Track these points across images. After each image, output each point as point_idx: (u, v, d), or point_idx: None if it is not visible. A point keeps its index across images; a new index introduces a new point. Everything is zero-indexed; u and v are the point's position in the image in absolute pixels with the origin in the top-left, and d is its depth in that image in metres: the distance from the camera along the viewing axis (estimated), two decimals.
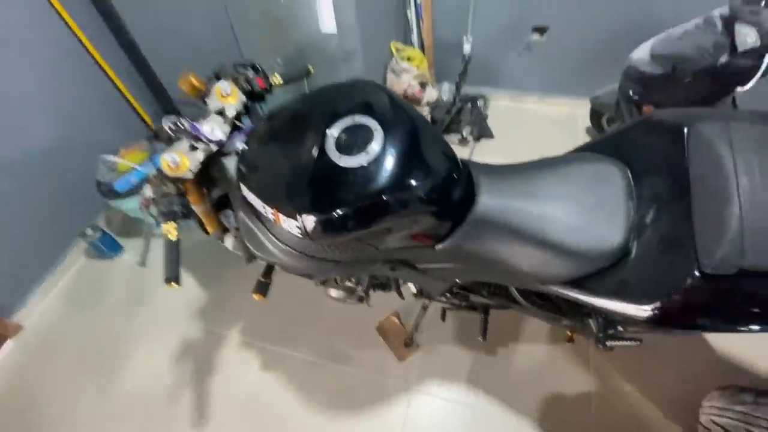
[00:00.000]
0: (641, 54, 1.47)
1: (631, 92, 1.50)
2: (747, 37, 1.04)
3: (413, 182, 0.70)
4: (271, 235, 0.89)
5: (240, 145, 0.90)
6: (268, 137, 0.86)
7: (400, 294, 1.22)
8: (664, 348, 1.34)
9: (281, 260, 0.92)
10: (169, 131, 0.84)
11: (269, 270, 1.16)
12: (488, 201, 0.79)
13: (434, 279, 0.99)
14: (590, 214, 0.77)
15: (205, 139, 0.85)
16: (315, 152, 0.73)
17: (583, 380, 1.33)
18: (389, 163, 0.70)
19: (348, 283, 1.16)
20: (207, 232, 1.03)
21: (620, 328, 0.97)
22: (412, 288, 1.20)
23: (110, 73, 1.85)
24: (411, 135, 0.74)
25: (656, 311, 0.64)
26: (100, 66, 1.82)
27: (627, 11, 1.77)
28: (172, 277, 0.79)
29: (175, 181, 0.83)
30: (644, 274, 0.69)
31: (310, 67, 1.09)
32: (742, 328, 0.62)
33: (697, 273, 0.60)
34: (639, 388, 1.29)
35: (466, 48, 2.08)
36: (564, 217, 0.77)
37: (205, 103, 0.92)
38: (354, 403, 1.36)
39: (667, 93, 1.36)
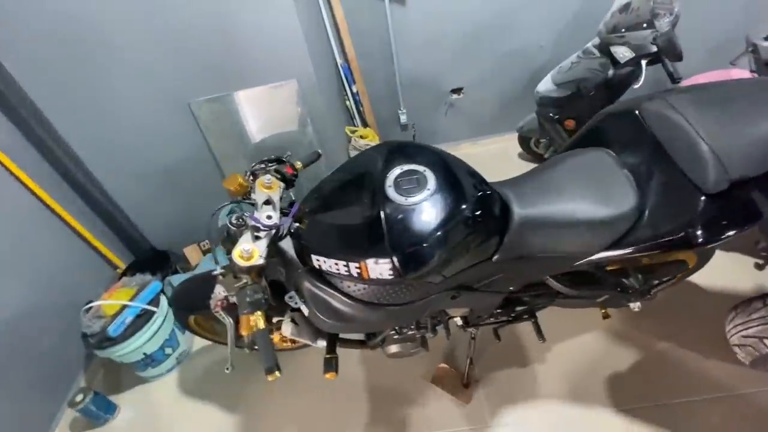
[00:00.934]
0: (546, 86, 1.88)
1: (550, 114, 1.88)
2: (623, 53, 1.45)
3: (464, 202, 0.84)
4: (343, 296, 0.93)
5: (292, 224, 0.97)
6: (323, 207, 0.94)
7: (448, 331, 1.28)
8: (676, 305, 1.54)
9: (355, 317, 0.95)
10: (232, 227, 0.89)
11: (333, 344, 1.16)
12: (520, 208, 0.95)
13: (491, 294, 1.09)
14: (602, 190, 0.96)
15: (264, 227, 0.91)
16: (381, 201, 0.84)
17: (628, 353, 1.45)
18: (446, 192, 0.84)
19: (409, 332, 1.19)
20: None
21: (655, 281, 1.15)
22: (458, 321, 1.27)
23: (77, 226, 1.78)
24: (450, 167, 0.90)
25: (686, 234, 0.82)
26: (65, 221, 1.74)
27: (519, 62, 2.26)
28: (273, 365, 0.78)
29: (249, 270, 0.85)
30: (664, 216, 0.88)
31: (319, 152, 1.22)
32: (752, 222, 0.81)
33: (702, 197, 0.81)
34: (674, 343, 1.44)
35: (403, 118, 2.46)
36: (583, 198, 0.95)
37: (250, 198, 0.99)
38: None
39: (578, 106, 1.74)
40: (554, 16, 2.08)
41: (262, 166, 1.05)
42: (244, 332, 0.81)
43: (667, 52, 1.32)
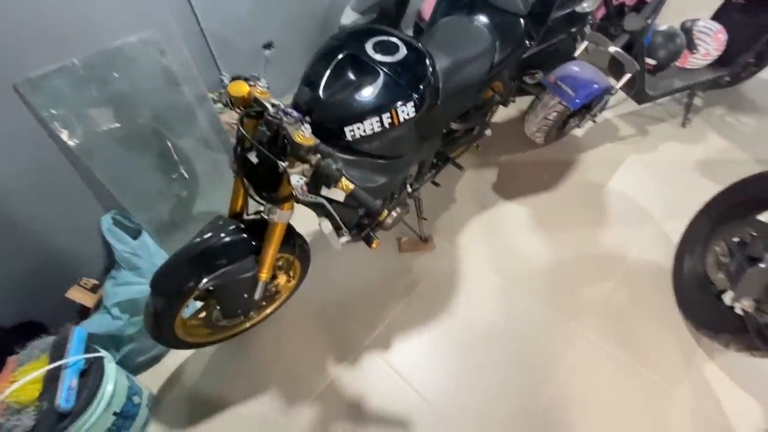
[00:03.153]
0: (349, 18, 2.29)
1: None
2: None
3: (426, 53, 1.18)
4: (376, 159, 1.14)
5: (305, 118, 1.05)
6: (331, 90, 1.07)
7: (408, 194, 1.62)
8: (504, 135, 2.35)
9: (384, 177, 1.18)
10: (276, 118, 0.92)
11: (361, 228, 1.33)
12: (437, 61, 1.35)
13: (435, 139, 1.48)
14: (470, 37, 1.45)
15: (298, 116, 0.97)
16: (376, 65, 1.07)
17: (493, 167, 2.17)
18: (413, 48, 1.16)
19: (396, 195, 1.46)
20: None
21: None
22: (408, 189, 1.62)
23: None
24: (400, 35, 1.20)
25: (525, 38, 1.43)
26: None
27: (311, 4, 2.56)
28: (379, 207, 0.96)
29: (316, 148, 0.94)
30: (508, 39, 1.44)
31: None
32: (545, 19, 1.49)
33: (521, 18, 1.41)
34: (512, 152, 2.25)
35: (226, 81, 2.39)
36: (464, 45, 1.42)
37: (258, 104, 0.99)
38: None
39: (385, 23, 2.24)
40: None
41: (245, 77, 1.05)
42: (344, 191, 0.92)
43: None
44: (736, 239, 1.30)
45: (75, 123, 1.35)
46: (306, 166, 0.93)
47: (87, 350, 1.26)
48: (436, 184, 1.81)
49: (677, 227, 1.68)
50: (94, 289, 1.58)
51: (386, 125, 1.07)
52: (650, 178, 2.09)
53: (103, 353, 1.26)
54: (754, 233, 1.26)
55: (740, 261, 1.16)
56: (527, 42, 1.47)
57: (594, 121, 2.23)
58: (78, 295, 1.53)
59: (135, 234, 1.56)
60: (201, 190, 1.84)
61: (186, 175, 1.72)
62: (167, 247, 1.65)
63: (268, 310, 1.58)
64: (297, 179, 0.93)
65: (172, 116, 1.61)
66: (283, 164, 0.92)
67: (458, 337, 1.57)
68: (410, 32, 2.58)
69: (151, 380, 1.53)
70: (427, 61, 1.17)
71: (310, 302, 1.68)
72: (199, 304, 1.39)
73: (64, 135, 1.32)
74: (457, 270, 1.76)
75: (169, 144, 1.64)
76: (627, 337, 1.51)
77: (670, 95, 2.27)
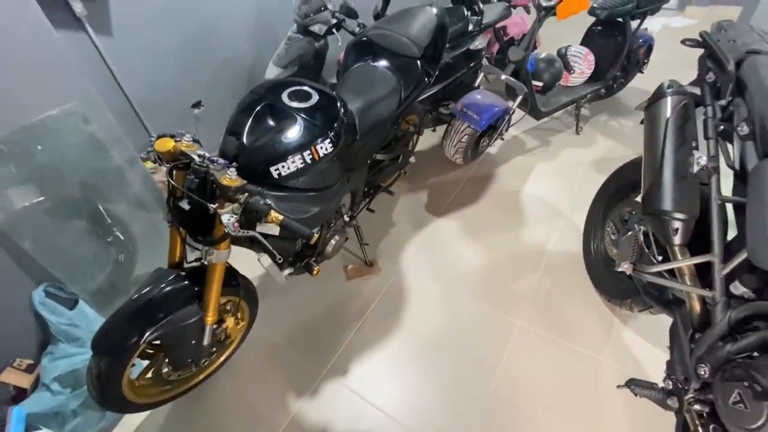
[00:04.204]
0: (273, 72, 2.46)
1: None
2: (320, 29, 2.22)
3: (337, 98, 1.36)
4: (302, 192, 1.26)
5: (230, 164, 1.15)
6: (254, 135, 1.18)
7: (345, 223, 1.74)
8: (426, 160, 2.58)
9: (314, 207, 1.30)
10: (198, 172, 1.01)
11: (300, 259, 1.42)
12: (351, 103, 1.52)
13: (361, 169, 1.63)
14: (378, 80, 1.65)
15: (223, 163, 1.07)
16: (293, 111, 1.22)
17: (422, 186, 2.36)
18: (324, 94, 1.32)
19: (333, 225, 1.57)
20: None
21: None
22: (345, 218, 1.74)
23: None
24: (311, 84, 1.36)
25: (425, 76, 1.66)
26: None
27: (235, 66, 2.72)
28: (310, 232, 1.08)
29: (243, 188, 1.04)
30: (410, 77, 1.67)
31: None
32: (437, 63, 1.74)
33: (418, 60, 1.65)
34: (437, 174, 2.47)
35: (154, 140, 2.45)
36: (373, 87, 1.62)
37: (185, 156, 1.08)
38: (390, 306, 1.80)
39: (306, 74, 2.44)
40: (245, 25, 2.66)
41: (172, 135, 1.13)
42: (274, 222, 1.02)
43: (348, 14, 2.20)
44: (619, 218, 1.56)
45: None
46: (235, 205, 1.03)
47: (27, 430, 1.20)
48: (371, 211, 1.95)
49: (583, 217, 1.93)
50: (29, 369, 1.50)
51: (308, 161, 1.21)
52: (556, 180, 2.39)
53: (44, 430, 1.20)
54: (632, 210, 1.52)
55: (621, 233, 1.39)
56: (426, 79, 1.70)
57: (502, 139, 2.53)
58: (12, 377, 1.44)
59: (71, 304, 1.52)
60: (141, 252, 1.83)
61: (122, 237, 1.72)
62: (108, 313, 1.60)
63: (221, 359, 1.58)
64: (228, 218, 1.01)
65: (102, 181, 1.63)
66: (212, 206, 1.01)
67: (410, 348, 1.66)
68: (334, 80, 2.82)
69: None
70: (338, 104, 1.34)
71: (264, 343, 1.70)
72: (145, 362, 1.37)
73: None
74: (402, 286, 1.88)
75: (101, 209, 1.65)
76: (555, 320, 1.69)
77: (562, 109, 2.66)
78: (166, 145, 1.07)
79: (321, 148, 1.22)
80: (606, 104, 2.99)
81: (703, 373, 0.96)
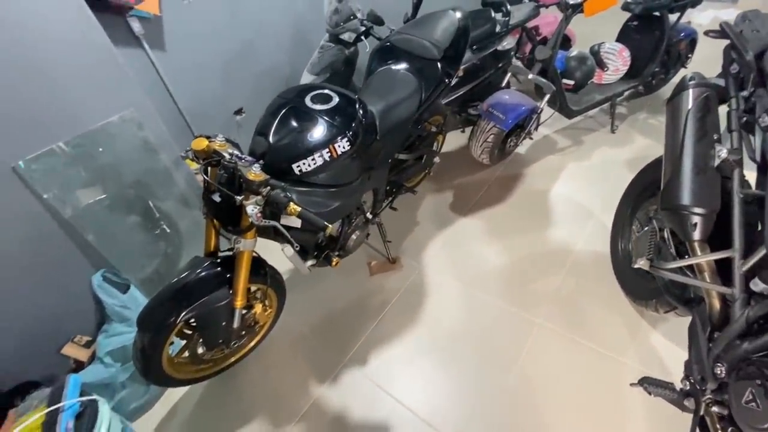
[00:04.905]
0: (307, 79, 2.61)
1: None
2: (349, 37, 2.34)
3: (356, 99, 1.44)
4: (322, 188, 1.35)
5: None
6: (279, 135, 1.30)
7: (367, 221, 1.81)
8: (451, 162, 2.60)
9: (334, 202, 1.38)
10: (230, 163, 1.13)
11: (320, 250, 1.51)
12: (372, 105, 1.60)
13: (383, 168, 1.70)
14: (399, 82, 1.73)
15: (249, 159, 1.19)
16: (315, 112, 1.31)
17: (448, 189, 2.39)
18: (343, 95, 1.41)
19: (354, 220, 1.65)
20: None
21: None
22: (368, 215, 1.82)
23: None
24: (332, 87, 1.46)
25: (445, 77, 1.71)
26: None
27: (273, 75, 2.91)
28: (325, 223, 1.16)
29: (266, 181, 1.15)
30: (431, 79, 1.72)
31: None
32: (458, 63, 1.78)
33: (438, 62, 1.70)
34: (463, 174, 2.49)
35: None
36: (394, 89, 1.70)
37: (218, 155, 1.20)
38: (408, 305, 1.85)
39: (338, 80, 2.56)
40: (282, 38, 2.84)
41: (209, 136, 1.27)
42: (292, 215, 1.12)
43: (375, 22, 2.30)
44: (645, 216, 1.50)
45: (67, 197, 1.56)
46: (259, 197, 1.13)
47: (82, 396, 1.37)
48: (394, 209, 2.02)
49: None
50: (87, 345, 1.70)
51: (327, 158, 1.30)
52: (588, 180, 2.33)
53: (96, 396, 1.37)
54: (656, 207, 1.46)
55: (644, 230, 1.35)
56: (446, 80, 1.75)
57: (531, 138, 2.50)
58: (72, 351, 1.65)
59: (124, 289, 1.71)
60: (185, 244, 2.02)
61: (168, 231, 1.91)
62: None
63: (251, 344, 1.71)
64: (252, 208, 1.12)
65: (152, 181, 1.83)
66: (239, 198, 1.12)
67: (429, 342, 1.69)
68: None
69: (144, 426, 1.61)
70: (357, 105, 1.42)
71: (290, 332, 1.81)
72: (182, 342, 1.51)
73: (60, 208, 1.52)
74: (423, 283, 1.92)
75: (152, 205, 1.85)
76: (578, 320, 1.65)
77: (595, 108, 2.58)
78: (201, 144, 1.20)
79: (339, 146, 1.31)
80: (645, 101, 2.86)
81: (719, 372, 0.92)
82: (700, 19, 3.54)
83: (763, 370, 0.79)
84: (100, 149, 1.61)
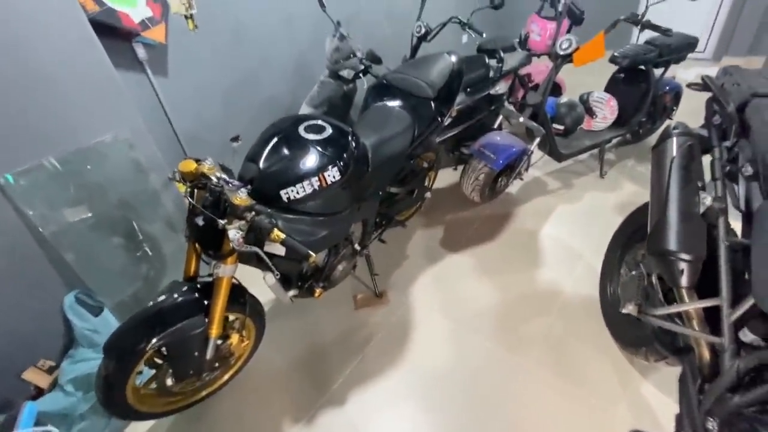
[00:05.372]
0: (305, 112, 2.68)
1: None
2: (348, 74, 2.42)
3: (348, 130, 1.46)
4: (309, 217, 1.33)
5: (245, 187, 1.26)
6: (270, 162, 1.30)
7: (355, 252, 1.79)
8: (442, 202, 2.62)
9: (321, 231, 1.36)
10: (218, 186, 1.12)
11: (304, 280, 1.47)
12: (365, 138, 1.62)
13: (373, 201, 1.70)
14: (393, 118, 1.77)
15: (237, 184, 1.18)
16: (308, 142, 1.32)
17: (438, 225, 2.38)
18: (336, 126, 1.43)
19: (341, 250, 1.62)
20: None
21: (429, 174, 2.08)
22: (357, 247, 1.80)
23: None
24: (325, 119, 1.48)
25: (437, 116, 1.75)
26: None
27: (272, 106, 2.98)
28: (308, 251, 1.14)
29: (251, 207, 1.13)
30: (424, 117, 1.76)
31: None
32: (452, 101, 1.83)
33: (431, 101, 1.75)
34: (454, 211, 2.50)
35: None
36: (387, 124, 1.73)
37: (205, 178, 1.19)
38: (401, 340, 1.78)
39: (335, 114, 2.62)
40: (284, 71, 2.93)
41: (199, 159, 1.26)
42: (275, 242, 1.09)
43: (374, 60, 2.38)
44: (634, 260, 1.49)
45: (51, 214, 1.52)
46: (242, 222, 1.11)
47: (37, 425, 1.27)
48: (383, 242, 2.00)
49: None
50: (50, 371, 1.60)
51: (316, 187, 1.29)
52: (577, 222, 2.34)
53: (51, 428, 1.27)
54: (644, 252, 1.46)
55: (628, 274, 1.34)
56: (439, 119, 1.79)
57: (521, 179, 2.54)
58: (33, 376, 1.54)
59: (97, 311, 1.64)
60: (168, 269, 1.96)
61: (150, 253, 1.86)
62: None
63: (225, 377, 1.62)
64: (234, 233, 1.10)
65: (139, 202, 1.80)
66: (222, 221, 1.10)
67: (413, 382, 1.61)
68: None
69: None
70: (349, 137, 1.44)
71: (267, 365, 1.72)
72: (152, 372, 1.43)
73: (41, 225, 1.48)
74: (409, 320, 1.86)
75: (136, 226, 1.81)
76: (567, 366, 1.60)
77: (585, 153, 2.65)
78: (189, 166, 1.19)
79: (329, 175, 1.31)
80: (633, 149, 2.94)
81: (711, 427, 0.88)
82: (685, 74, 3.73)
83: (756, 426, 0.76)
84: (89, 167, 1.60)
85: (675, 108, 2.82)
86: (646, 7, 2.35)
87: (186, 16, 2.24)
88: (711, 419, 0.88)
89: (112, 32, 1.88)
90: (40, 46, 1.37)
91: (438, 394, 1.57)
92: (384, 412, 1.53)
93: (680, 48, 2.46)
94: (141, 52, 2.09)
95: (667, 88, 2.68)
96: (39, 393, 1.54)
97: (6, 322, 1.50)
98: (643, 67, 2.52)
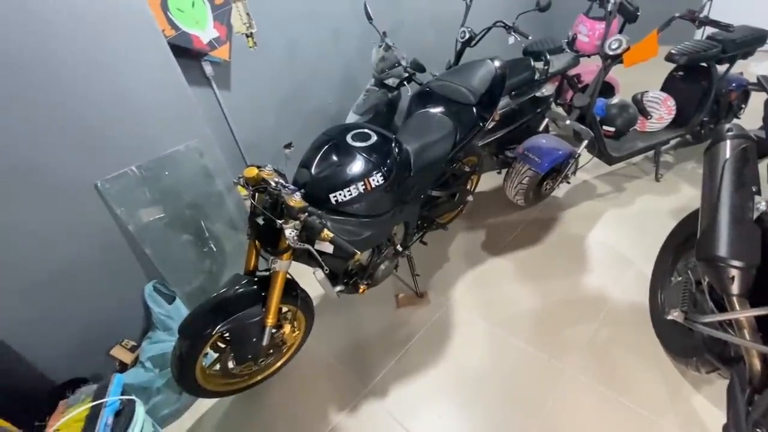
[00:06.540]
0: (352, 119, 2.81)
1: None
2: (393, 82, 2.52)
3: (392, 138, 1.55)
4: (355, 218, 1.44)
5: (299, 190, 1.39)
6: (321, 167, 1.42)
7: (396, 253, 1.87)
8: (483, 204, 2.63)
9: (366, 231, 1.46)
10: (276, 190, 1.25)
11: (348, 277, 1.58)
12: (407, 144, 1.70)
13: (414, 203, 1.77)
14: (435, 124, 1.83)
15: (293, 188, 1.31)
16: (354, 149, 1.43)
17: (480, 227, 2.41)
18: (381, 135, 1.52)
19: (383, 250, 1.71)
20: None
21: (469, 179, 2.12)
22: (398, 248, 1.88)
23: None
24: (371, 126, 1.58)
25: (480, 120, 1.79)
26: None
27: (321, 115, 3.15)
28: (354, 250, 1.24)
29: (304, 208, 1.25)
30: (467, 123, 1.81)
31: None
32: (493, 107, 1.86)
33: (473, 107, 1.79)
34: (495, 215, 2.51)
35: None
36: (429, 130, 1.80)
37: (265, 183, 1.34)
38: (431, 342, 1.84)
39: (380, 120, 2.73)
40: (332, 82, 3.10)
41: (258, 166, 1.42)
42: (325, 240, 1.21)
43: (417, 69, 2.47)
44: (685, 267, 1.43)
45: (133, 214, 1.76)
46: (297, 222, 1.24)
47: (123, 395, 1.48)
48: (424, 243, 2.06)
49: None
50: (132, 349, 1.85)
51: (361, 190, 1.40)
52: (629, 227, 2.25)
53: (134, 397, 1.47)
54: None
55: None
56: (480, 124, 1.83)
57: (568, 182, 2.49)
58: (119, 353, 1.79)
59: (170, 300, 1.86)
60: (228, 264, 2.17)
61: (215, 250, 2.07)
62: None
63: (278, 363, 1.77)
64: (290, 232, 1.23)
65: (207, 203, 2.02)
66: (279, 221, 1.23)
67: (452, 380, 1.66)
68: None
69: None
70: (393, 144, 1.53)
71: (315, 357, 1.85)
72: (215, 354, 1.60)
73: (127, 223, 1.72)
74: (450, 320, 1.91)
75: (203, 226, 2.03)
76: (611, 374, 1.56)
77: (638, 155, 2.54)
78: (252, 172, 1.35)
79: (373, 180, 1.41)
80: (694, 151, 2.76)
81: None
82: (756, 69, 3.42)
83: None
84: (166, 173, 1.83)
85: (743, 106, 2.61)
86: (706, 2, 2.22)
87: (247, 35, 2.47)
88: (759, 430, 0.86)
89: (185, 53, 2.13)
90: (130, 72, 1.60)
91: (475, 392, 1.61)
92: (422, 405, 1.60)
93: (747, 42, 2.28)
94: (208, 69, 2.34)
95: (734, 85, 2.49)
96: (123, 368, 1.79)
97: (98, 306, 1.75)
98: (704, 63, 2.37)
